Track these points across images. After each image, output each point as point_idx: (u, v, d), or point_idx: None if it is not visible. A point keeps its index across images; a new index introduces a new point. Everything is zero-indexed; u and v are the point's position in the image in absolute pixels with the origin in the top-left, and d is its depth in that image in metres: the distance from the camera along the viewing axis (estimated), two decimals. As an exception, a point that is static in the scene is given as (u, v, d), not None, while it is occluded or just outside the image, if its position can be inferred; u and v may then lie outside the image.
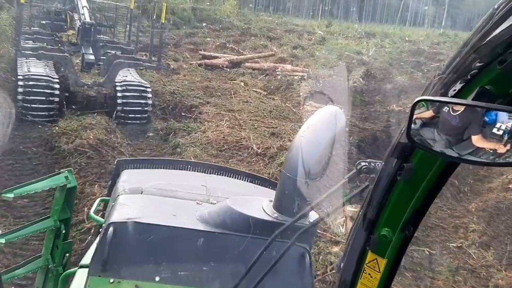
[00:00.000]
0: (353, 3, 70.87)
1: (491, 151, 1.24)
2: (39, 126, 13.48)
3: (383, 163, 1.62)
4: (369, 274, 1.70)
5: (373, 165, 1.88)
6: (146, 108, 15.07)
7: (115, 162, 5.31)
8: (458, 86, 1.28)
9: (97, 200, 5.20)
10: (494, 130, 1.21)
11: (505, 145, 1.22)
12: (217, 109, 16.88)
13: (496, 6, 1.22)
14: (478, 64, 1.22)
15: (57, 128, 13.10)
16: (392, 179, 1.55)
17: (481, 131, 1.24)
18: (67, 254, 5.22)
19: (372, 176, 1.76)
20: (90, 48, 15.31)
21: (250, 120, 16.21)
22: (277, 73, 23.73)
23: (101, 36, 18.72)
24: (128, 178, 4.45)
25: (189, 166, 5.34)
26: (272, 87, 21.72)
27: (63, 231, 5.01)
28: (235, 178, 5.22)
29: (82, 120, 13.52)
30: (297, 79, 22.98)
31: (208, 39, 35.87)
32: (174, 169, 5.20)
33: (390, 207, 1.58)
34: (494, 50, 1.18)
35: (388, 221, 1.60)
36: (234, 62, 25.55)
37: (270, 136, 14.66)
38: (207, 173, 5.14)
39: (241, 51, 31.29)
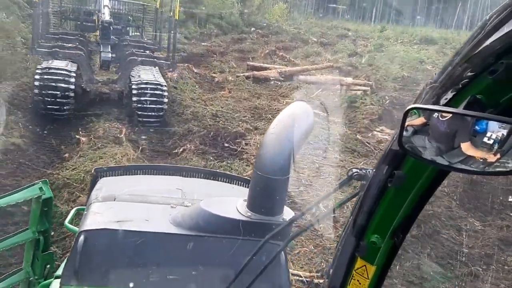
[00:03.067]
0: (406, 6, 65.71)
1: (481, 160, 1.20)
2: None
3: (374, 170, 1.58)
4: (358, 280, 1.64)
5: (364, 172, 1.73)
6: (161, 106, 14.18)
7: (93, 170, 5.07)
8: (449, 94, 1.25)
9: (73, 210, 5.03)
10: (485, 139, 1.18)
11: (495, 154, 1.18)
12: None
13: (488, 17, 1.19)
14: (469, 74, 1.20)
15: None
16: (382, 186, 1.50)
17: (471, 140, 1.21)
18: (48, 266, 5.03)
19: (363, 183, 1.67)
20: (109, 47, 14.88)
21: (310, 155, 12.37)
22: (336, 87, 19.78)
23: (127, 36, 17.91)
24: (102, 185, 4.25)
25: (166, 171, 5.16)
26: (331, 105, 17.76)
27: (43, 243, 4.87)
28: (212, 179, 4.99)
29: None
30: (360, 94, 19.02)
31: (257, 46, 32.31)
32: (151, 174, 5.04)
33: (380, 214, 1.53)
34: (485, 60, 1.16)
35: (377, 228, 1.55)
36: (286, 75, 21.68)
37: (337, 182, 10.78)
38: (185, 176, 4.93)
39: (293, 59, 27.49)
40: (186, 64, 21.38)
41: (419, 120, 1.30)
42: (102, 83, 14.79)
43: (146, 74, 14.56)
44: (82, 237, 3.32)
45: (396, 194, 1.48)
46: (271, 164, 3.03)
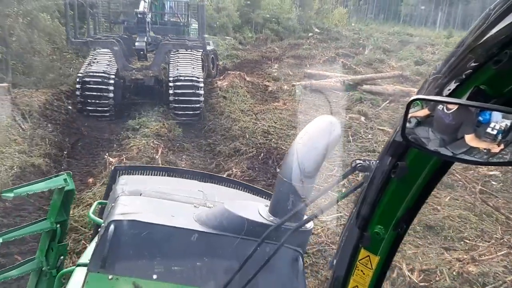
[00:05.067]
0: (472, 11, 60.62)
1: (485, 150, 1.17)
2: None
3: (378, 161, 1.57)
4: (362, 271, 1.64)
5: (368, 163, 1.71)
6: (197, 98, 14.11)
7: (112, 168, 5.13)
8: (453, 85, 1.22)
9: (95, 203, 4.91)
10: (488, 130, 1.14)
11: (499, 144, 1.15)
12: (328, 165, 10.63)
13: (492, 7, 1.15)
14: (473, 64, 1.17)
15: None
16: (386, 177, 1.48)
17: (475, 131, 1.17)
18: (62, 257, 5.00)
19: (367, 174, 1.65)
20: (144, 37, 14.68)
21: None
22: (406, 100, 16.85)
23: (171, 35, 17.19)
24: (126, 182, 4.24)
25: (184, 174, 5.15)
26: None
27: (59, 234, 4.87)
28: (230, 187, 5.02)
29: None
30: (434, 109, 15.98)
31: (315, 52, 29.77)
32: (170, 176, 5.06)
33: (384, 205, 1.52)
34: (489, 50, 1.12)
35: (381, 218, 1.54)
36: (348, 84, 19.00)
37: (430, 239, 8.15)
38: (203, 181, 4.95)
39: (354, 67, 24.70)
40: (238, 72, 19.23)
41: (422, 111, 1.24)
42: (136, 70, 14.78)
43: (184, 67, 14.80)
44: (112, 227, 3.33)
45: (399, 185, 1.46)
46: (296, 171, 3.03)
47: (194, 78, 14.16)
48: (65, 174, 4.81)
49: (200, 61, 15.97)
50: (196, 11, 17.52)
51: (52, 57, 17.16)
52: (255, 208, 3.33)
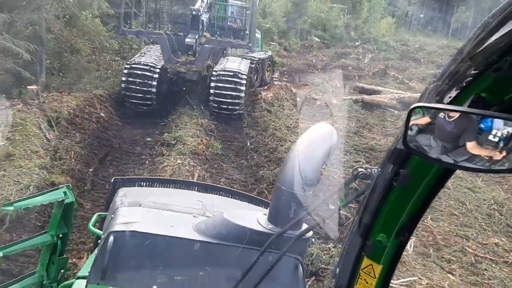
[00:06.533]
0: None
1: (486, 157, 1.16)
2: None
3: (379, 169, 1.54)
4: (365, 279, 1.61)
5: (369, 171, 1.71)
6: (238, 93, 13.82)
7: (112, 180, 5.08)
8: (453, 93, 1.20)
9: (95, 215, 4.85)
10: (490, 137, 1.13)
11: (500, 152, 1.14)
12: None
13: (491, 15, 1.15)
14: (473, 72, 1.16)
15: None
16: (388, 185, 1.45)
17: (476, 138, 1.16)
18: (62, 270, 4.89)
19: (369, 182, 1.64)
20: (196, 35, 14.69)
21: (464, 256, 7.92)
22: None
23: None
24: (125, 193, 4.23)
25: (183, 185, 5.13)
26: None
27: (60, 247, 4.76)
28: (228, 197, 4.98)
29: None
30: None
31: (363, 62, 27.84)
32: (168, 187, 5.04)
33: (386, 213, 1.49)
34: (489, 58, 1.12)
35: (383, 226, 1.51)
36: (404, 101, 17.03)
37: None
38: (201, 192, 4.88)
39: (407, 81, 22.66)
40: (284, 83, 17.62)
41: (423, 119, 1.22)
42: (181, 63, 14.65)
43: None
44: (111, 238, 3.29)
45: (401, 193, 1.42)
46: (294, 179, 2.98)
47: (237, 71, 13.94)
48: (65, 187, 4.74)
49: (248, 63, 15.75)
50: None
51: (90, 57, 16.04)
52: (254, 217, 3.28)
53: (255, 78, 17.34)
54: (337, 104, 16.94)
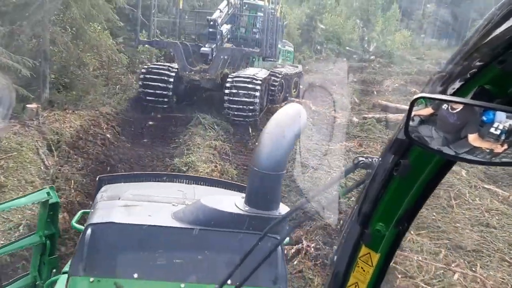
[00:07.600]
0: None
1: (488, 150, 1.12)
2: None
3: (380, 159, 1.51)
4: (362, 268, 1.60)
5: (370, 160, 1.63)
6: (252, 100, 13.77)
7: (97, 178, 5.00)
8: (457, 84, 1.16)
9: (79, 212, 4.95)
10: (492, 130, 1.10)
11: (502, 144, 1.09)
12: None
13: (497, 6, 1.10)
14: (478, 63, 1.12)
15: None
16: (388, 174, 1.42)
17: (478, 130, 1.13)
18: (54, 270, 4.90)
19: (369, 171, 1.58)
20: (213, 44, 14.77)
21: None
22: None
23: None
24: (107, 189, 4.30)
25: (167, 178, 5.15)
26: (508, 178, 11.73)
27: (49, 247, 4.78)
28: (211, 186, 4.95)
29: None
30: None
31: (380, 76, 26.69)
32: (152, 181, 5.01)
33: (385, 203, 1.45)
34: (494, 50, 1.08)
35: (382, 216, 1.47)
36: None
37: None
38: (184, 183, 4.92)
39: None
40: (303, 99, 16.50)
41: (426, 110, 1.19)
42: (195, 71, 14.82)
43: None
44: (89, 230, 3.33)
45: (401, 183, 1.39)
46: (267, 160, 3.01)
47: (252, 76, 13.90)
48: (48, 188, 4.73)
49: (268, 73, 15.71)
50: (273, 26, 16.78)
51: (98, 71, 15.05)
52: (231, 201, 3.25)
53: (278, 92, 16.47)
54: (358, 122, 15.79)
